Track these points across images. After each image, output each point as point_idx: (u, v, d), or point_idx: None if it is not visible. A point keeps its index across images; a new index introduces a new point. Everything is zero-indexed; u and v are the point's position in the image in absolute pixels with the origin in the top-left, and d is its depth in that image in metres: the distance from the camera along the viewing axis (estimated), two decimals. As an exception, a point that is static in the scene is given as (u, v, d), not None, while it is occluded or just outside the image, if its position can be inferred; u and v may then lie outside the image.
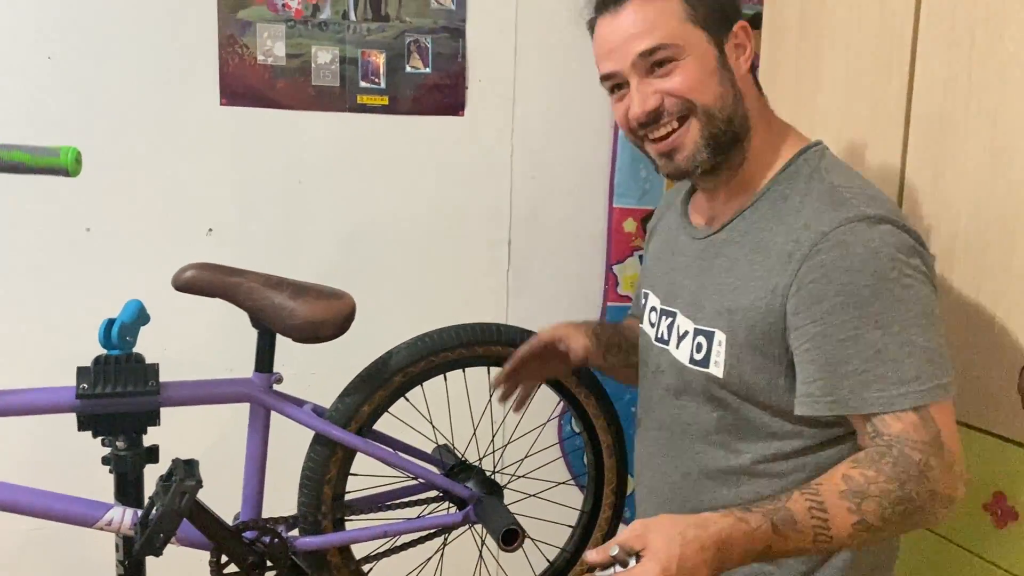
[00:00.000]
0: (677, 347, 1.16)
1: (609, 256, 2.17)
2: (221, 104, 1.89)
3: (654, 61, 1.05)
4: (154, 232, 1.89)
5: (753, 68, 1.14)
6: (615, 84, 1.11)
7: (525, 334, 1.46)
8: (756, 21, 2.13)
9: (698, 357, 1.12)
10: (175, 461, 1.19)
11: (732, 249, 1.11)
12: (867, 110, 1.49)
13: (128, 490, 1.30)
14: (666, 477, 1.19)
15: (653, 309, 1.23)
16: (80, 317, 1.85)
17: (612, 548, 0.88)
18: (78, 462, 1.65)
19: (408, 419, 1.48)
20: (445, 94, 2.02)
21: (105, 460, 1.31)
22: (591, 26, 1.13)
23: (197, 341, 1.87)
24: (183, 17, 1.85)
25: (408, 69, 1.99)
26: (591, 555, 0.89)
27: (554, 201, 2.13)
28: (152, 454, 1.32)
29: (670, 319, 1.19)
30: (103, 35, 1.81)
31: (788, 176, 1.09)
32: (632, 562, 0.87)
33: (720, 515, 0.90)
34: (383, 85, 1.98)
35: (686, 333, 1.14)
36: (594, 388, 1.53)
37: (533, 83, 2.08)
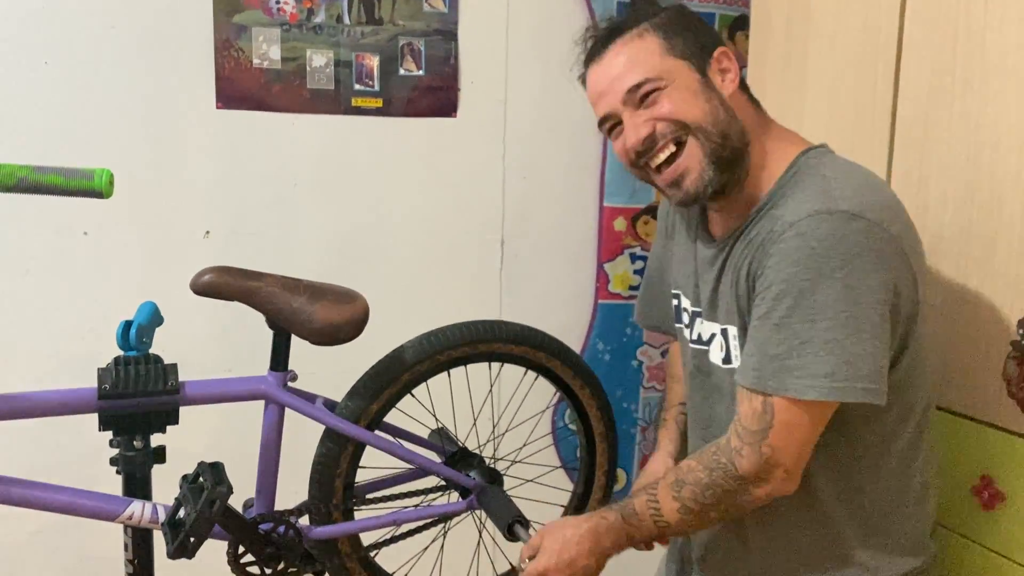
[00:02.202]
0: (709, 348, 1.21)
1: (600, 254, 2.22)
2: (217, 107, 1.91)
3: (641, 95, 1.10)
4: (151, 235, 1.90)
5: (745, 85, 1.16)
6: (612, 125, 1.16)
7: (527, 331, 1.50)
8: (743, 23, 2.19)
9: (722, 355, 1.17)
10: (201, 464, 1.21)
11: (739, 251, 1.14)
12: (853, 111, 1.54)
13: (136, 490, 1.32)
14: None
15: (686, 311, 1.27)
16: (78, 320, 1.86)
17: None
18: (77, 465, 1.67)
19: (407, 406, 1.52)
20: (438, 96, 2.05)
21: (113, 461, 1.32)
22: (583, 80, 1.19)
23: (196, 342, 1.89)
24: (179, 22, 1.86)
25: (401, 72, 2.02)
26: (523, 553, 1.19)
27: (546, 201, 2.17)
28: (159, 454, 1.34)
29: (705, 322, 1.22)
30: (99, 40, 1.82)
31: (788, 179, 1.11)
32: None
33: (587, 516, 1.16)
34: (377, 88, 2.01)
35: (712, 336, 1.19)
36: (588, 379, 1.59)
37: (525, 85, 2.11)
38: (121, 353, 1.27)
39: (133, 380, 1.22)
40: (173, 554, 1.19)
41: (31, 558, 1.89)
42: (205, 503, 1.16)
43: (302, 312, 1.26)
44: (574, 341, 2.21)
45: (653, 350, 2.28)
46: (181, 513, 1.21)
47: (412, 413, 1.52)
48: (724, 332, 1.15)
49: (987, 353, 1.30)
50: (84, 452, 1.70)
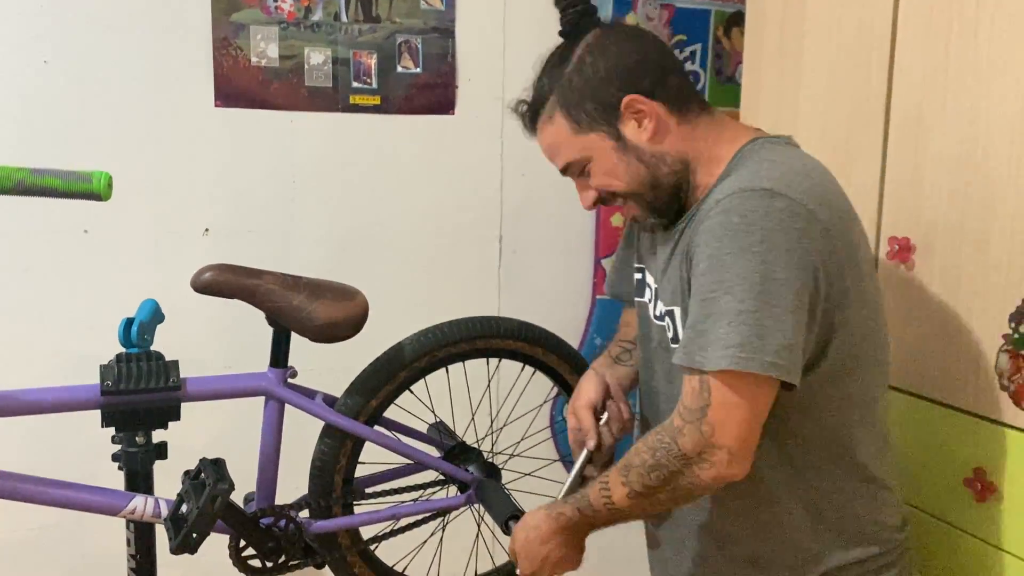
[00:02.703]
0: (664, 325, 1.22)
1: (597, 250, 2.23)
2: (216, 106, 1.92)
3: (574, 172, 1.18)
4: (151, 233, 1.91)
5: (680, 100, 1.13)
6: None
7: (524, 326, 1.51)
8: (738, 19, 2.20)
9: (670, 335, 1.19)
10: (203, 460, 1.23)
11: (685, 236, 1.15)
12: (848, 106, 1.55)
13: (138, 486, 1.33)
14: None
15: (649, 287, 1.29)
16: (78, 318, 1.88)
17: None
18: (77, 462, 1.68)
19: (406, 401, 1.53)
20: (436, 93, 2.06)
21: (115, 457, 1.34)
22: None
23: (194, 339, 1.90)
24: (177, 20, 1.87)
25: (399, 69, 2.03)
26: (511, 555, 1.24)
27: (543, 197, 2.18)
28: (161, 450, 1.36)
29: (660, 302, 1.24)
30: (98, 39, 1.83)
31: (732, 166, 1.12)
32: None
33: (546, 515, 1.19)
34: (375, 85, 2.02)
35: (665, 315, 1.21)
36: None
37: (522, 81, 2.10)
38: (123, 350, 1.28)
39: (136, 377, 1.23)
40: (176, 549, 1.21)
41: (33, 555, 1.90)
42: (207, 499, 1.17)
43: (302, 309, 1.28)
44: (572, 336, 2.21)
45: (651, 345, 2.29)
46: (183, 509, 1.23)
47: (411, 408, 1.54)
48: (671, 313, 1.17)
49: (980, 346, 1.31)
50: (84, 449, 1.71)
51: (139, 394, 1.23)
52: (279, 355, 1.34)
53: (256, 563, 1.34)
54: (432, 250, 2.11)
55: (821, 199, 1.04)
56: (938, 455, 1.38)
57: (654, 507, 1.13)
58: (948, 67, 1.35)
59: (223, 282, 1.27)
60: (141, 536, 1.36)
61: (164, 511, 1.27)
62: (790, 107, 1.70)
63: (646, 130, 1.12)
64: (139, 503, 1.25)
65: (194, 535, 1.19)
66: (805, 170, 1.08)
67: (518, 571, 1.23)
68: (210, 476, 1.20)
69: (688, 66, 2.21)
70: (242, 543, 1.31)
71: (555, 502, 1.21)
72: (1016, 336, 1.25)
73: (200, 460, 1.24)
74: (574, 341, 2.22)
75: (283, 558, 1.34)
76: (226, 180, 1.95)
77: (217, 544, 1.34)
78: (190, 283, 1.28)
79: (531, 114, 1.20)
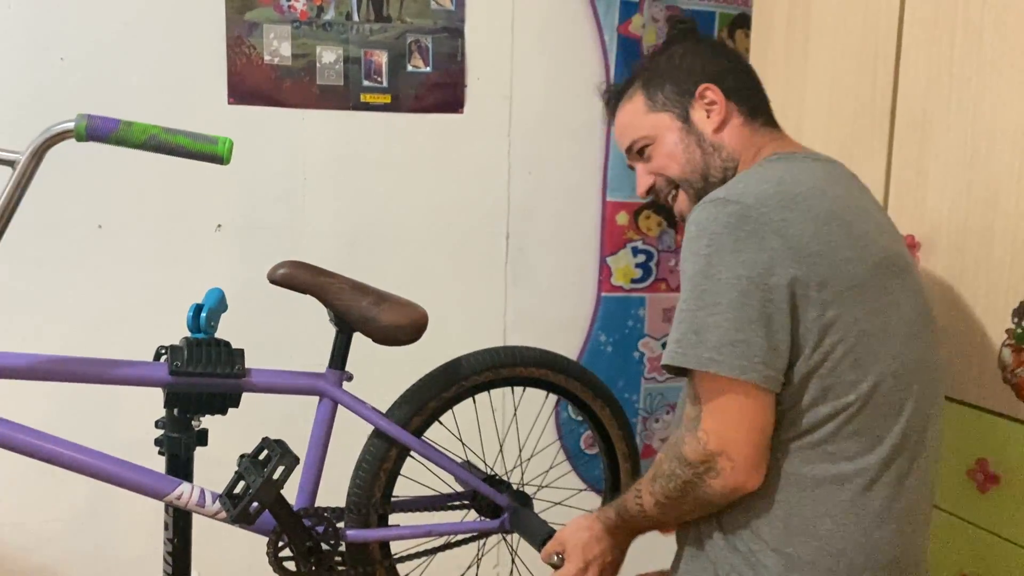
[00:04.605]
0: None
1: (603, 248, 2.26)
2: (229, 103, 1.95)
3: (636, 151, 1.26)
4: (164, 229, 1.94)
5: (749, 103, 1.21)
6: None
7: (548, 355, 1.54)
8: (742, 22, 2.23)
9: None
10: (265, 439, 1.24)
11: None
12: (853, 106, 1.59)
13: (178, 471, 1.34)
14: None
15: None
16: (91, 312, 1.90)
17: (553, 555, 1.26)
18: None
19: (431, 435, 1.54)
20: (445, 92, 2.09)
21: (158, 442, 1.35)
22: None
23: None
24: (192, 19, 1.90)
25: (409, 68, 2.06)
26: (544, 556, 1.28)
27: (550, 195, 2.21)
28: (202, 438, 1.37)
29: None
30: (114, 38, 1.86)
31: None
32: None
33: (595, 517, 1.24)
34: (385, 84, 2.04)
35: None
36: (609, 401, 1.61)
37: (529, 81, 2.15)
38: (188, 335, 1.31)
39: (204, 360, 1.25)
40: (236, 519, 1.22)
41: (47, 546, 1.92)
42: (273, 468, 1.19)
43: (369, 311, 1.32)
44: (577, 333, 2.25)
45: (654, 342, 2.32)
46: (238, 488, 1.24)
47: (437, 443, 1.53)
48: None
49: (983, 341, 1.35)
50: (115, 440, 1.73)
51: (206, 377, 1.26)
52: (339, 357, 1.37)
53: (291, 565, 1.34)
54: (440, 247, 2.14)
55: (782, 204, 1.03)
56: (942, 447, 1.41)
57: (681, 516, 1.12)
58: (953, 67, 1.39)
59: (299, 277, 1.31)
60: (179, 521, 1.36)
61: (208, 502, 1.28)
62: (795, 110, 1.73)
63: (712, 121, 1.19)
64: (185, 490, 1.26)
65: (255, 504, 1.20)
66: (780, 180, 1.08)
67: (572, 567, 1.22)
68: (275, 450, 1.21)
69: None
70: (280, 543, 1.31)
71: (599, 508, 1.26)
72: (1019, 331, 1.29)
73: (262, 439, 1.25)
74: (579, 337, 2.25)
75: (317, 561, 1.33)
76: (238, 177, 1.97)
77: (247, 545, 1.35)
78: (267, 276, 1.31)
79: (616, 94, 1.28)
